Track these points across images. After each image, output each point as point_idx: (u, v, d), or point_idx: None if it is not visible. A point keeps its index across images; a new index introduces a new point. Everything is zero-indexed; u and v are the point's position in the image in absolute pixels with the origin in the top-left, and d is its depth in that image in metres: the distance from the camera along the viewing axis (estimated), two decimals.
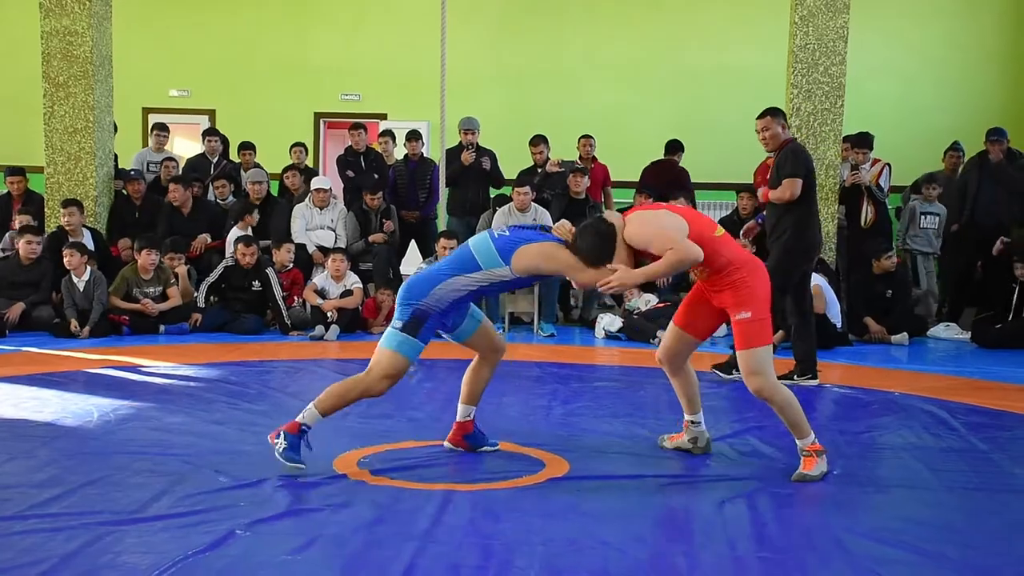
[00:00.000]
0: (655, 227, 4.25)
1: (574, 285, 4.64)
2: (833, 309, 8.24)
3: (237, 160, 10.86)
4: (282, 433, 4.30)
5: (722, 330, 8.90)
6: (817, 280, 8.27)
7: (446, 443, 4.75)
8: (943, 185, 10.28)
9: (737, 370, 6.61)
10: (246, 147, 10.82)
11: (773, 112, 6.60)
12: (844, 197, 9.51)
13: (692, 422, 4.80)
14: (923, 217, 9.98)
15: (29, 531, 3.49)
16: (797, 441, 4.42)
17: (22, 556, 3.25)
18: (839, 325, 8.33)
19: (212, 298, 8.94)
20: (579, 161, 10.57)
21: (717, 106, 12.49)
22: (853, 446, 5.06)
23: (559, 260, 4.22)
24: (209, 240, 9.65)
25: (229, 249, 9.11)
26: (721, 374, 6.90)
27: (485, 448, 4.73)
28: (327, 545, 3.41)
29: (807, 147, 9.30)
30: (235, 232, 9.38)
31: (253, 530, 3.55)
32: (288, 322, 8.70)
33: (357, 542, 3.45)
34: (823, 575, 3.28)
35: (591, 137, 10.61)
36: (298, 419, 4.32)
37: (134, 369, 6.83)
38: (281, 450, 4.27)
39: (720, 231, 4.38)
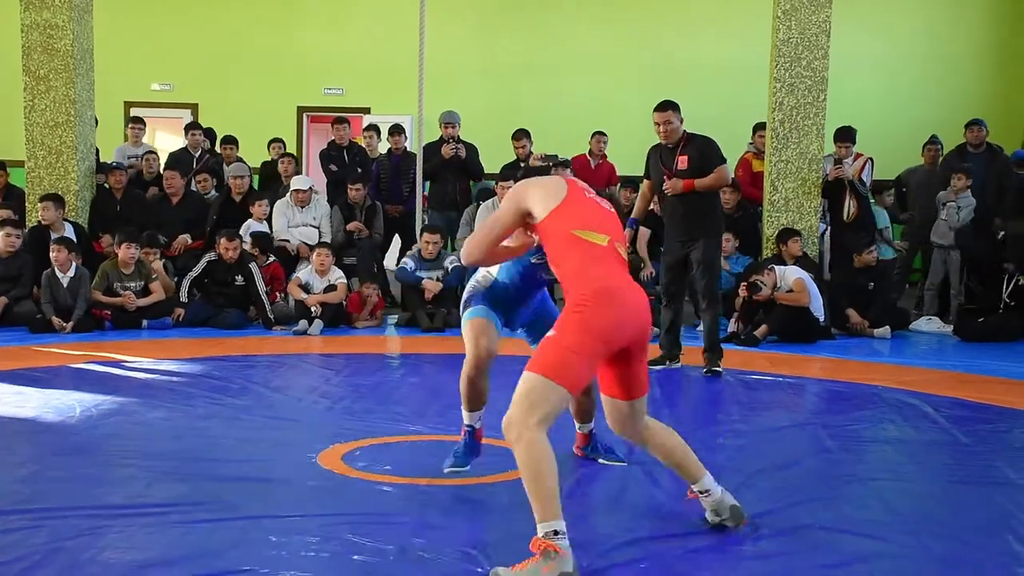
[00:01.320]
0: (506, 202, 3.81)
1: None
2: (816, 303, 8.27)
3: (219, 153, 10.82)
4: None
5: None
6: (800, 274, 8.32)
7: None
8: (923, 179, 10.33)
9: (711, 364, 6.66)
10: (228, 141, 10.80)
11: (674, 106, 6.94)
12: (827, 191, 9.54)
13: (701, 492, 3.60)
14: (945, 208, 9.84)
15: (11, 528, 3.47)
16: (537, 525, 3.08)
17: (5, 552, 3.23)
18: (822, 319, 8.36)
19: (194, 292, 8.90)
20: (589, 156, 10.59)
21: (698, 99, 12.48)
22: (836, 439, 5.07)
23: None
24: (189, 241, 9.60)
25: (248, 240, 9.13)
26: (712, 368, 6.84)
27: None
28: (311, 539, 3.40)
29: (789, 142, 9.36)
30: (251, 224, 9.39)
31: (236, 525, 3.54)
32: (271, 317, 8.67)
33: (342, 536, 3.44)
34: (808, 568, 3.29)
35: (604, 134, 10.64)
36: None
37: (116, 364, 6.80)
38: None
39: (603, 239, 3.44)
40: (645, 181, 7.14)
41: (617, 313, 3.27)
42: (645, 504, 3.96)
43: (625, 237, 3.74)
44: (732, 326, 8.53)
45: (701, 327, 8.87)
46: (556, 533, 3.01)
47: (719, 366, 6.78)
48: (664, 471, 3.93)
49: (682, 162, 6.80)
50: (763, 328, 8.18)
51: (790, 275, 8.31)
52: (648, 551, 3.39)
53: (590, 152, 10.68)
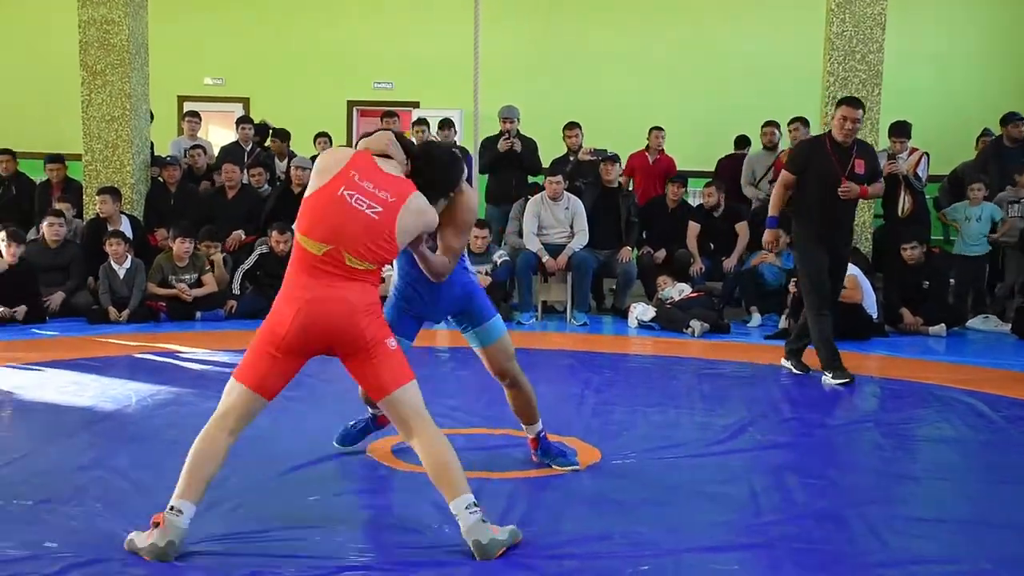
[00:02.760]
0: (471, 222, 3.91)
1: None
2: (869, 299, 8.18)
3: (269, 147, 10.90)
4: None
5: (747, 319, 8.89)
6: (853, 271, 8.21)
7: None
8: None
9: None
10: (278, 135, 10.86)
11: (864, 105, 6.48)
12: None
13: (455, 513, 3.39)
14: (1010, 206, 9.68)
15: (72, 514, 3.54)
16: None
17: (67, 537, 3.30)
18: (875, 316, 8.26)
19: (246, 285, 9.00)
20: (647, 152, 10.55)
21: (748, 94, 12.39)
22: (889, 437, 5.02)
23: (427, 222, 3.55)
24: (244, 236, 9.68)
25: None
26: (792, 367, 6.71)
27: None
28: (360, 530, 3.44)
29: None
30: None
31: (288, 515, 3.58)
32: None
33: (390, 527, 3.47)
34: (860, 568, 3.27)
35: (662, 129, 10.57)
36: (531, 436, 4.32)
37: (171, 355, 6.90)
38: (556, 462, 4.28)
39: (319, 248, 3.38)
40: (786, 175, 6.59)
41: (294, 323, 3.32)
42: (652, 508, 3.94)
43: (372, 241, 3.37)
44: (783, 323, 8.46)
45: (752, 323, 8.86)
46: (172, 508, 3.22)
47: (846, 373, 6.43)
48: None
49: (859, 166, 6.43)
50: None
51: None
52: (690, 547, 3.38)
53: (648, 147, 10.63)
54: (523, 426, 4.34)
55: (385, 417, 4.24)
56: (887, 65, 9.25)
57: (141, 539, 3.19)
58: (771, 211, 6.73)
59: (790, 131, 10.10)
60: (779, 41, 12.61)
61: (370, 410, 4.48)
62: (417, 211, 3.45)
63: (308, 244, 3.37)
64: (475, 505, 3.32)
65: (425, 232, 3.59)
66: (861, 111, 6.43)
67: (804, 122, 9.98)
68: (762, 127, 10.27)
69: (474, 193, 3.97)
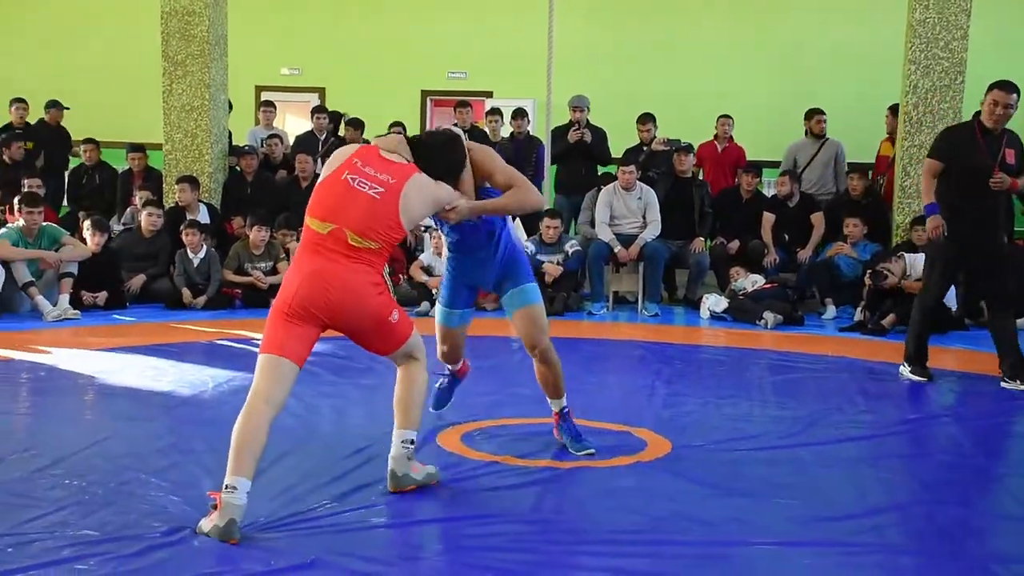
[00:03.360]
0: (509, 168, 4.02)
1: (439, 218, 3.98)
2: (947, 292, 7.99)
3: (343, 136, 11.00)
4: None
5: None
6: None
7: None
8: None
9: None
10: (352, 124, 10.93)
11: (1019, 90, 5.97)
12: None
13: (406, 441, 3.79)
14: None
15: (149, 498, 3.63)
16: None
17: (147, 519, 3.38)
18: (954, 308, 8.07)
19: None
20: (715, 140, 10.46)
21: (827, 83, 12.17)
22: (968, 433, 4.91)
23: (438, 201, 3.75)
24: None
25: None
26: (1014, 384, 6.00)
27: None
28: (429, 518, 3.47)
29: (923, 126, 9.05)
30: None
31: (356, 501, 3.62)
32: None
33: (460, 516, 3.49)
34: (936, 566, 3.20)
35: (729, 117, 10.47)
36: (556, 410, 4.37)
37: (247, 341, 7.01)
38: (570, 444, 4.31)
39: (325, 228, 3.63)
40: (931, 163, 6.19)
41: (299, 291, 3.51)
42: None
43: (374, 220, 3.54)
44: (858, 315, 8.32)
45: (826, 315, 8.73)
46: (227, 487, 3.30)
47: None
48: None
49: (1010, 156, 6.02)
50: (891, 317, 7.94)
51: (920, 263, 8.03)
52: (761, 541, 3.35)
53: (716, 136, 10.53)
54: (548, 400, 4.42)
55: (464, 368, 4.70)
56: (971, 52, 9.01)
57: (207, 523, 3.28)
58: (925, 199, 6.23)
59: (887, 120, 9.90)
60: (861, 29, 12.36)
61: (447, 368, 4.71)
62: (420, 187, 3.60)
63: (314, 224, 3.59)
64: (411, 443, 3.69)
65: (444, 204, 3.74)
66: (1015, 96, 5.88)
67: (895, 111, 9.77)
68: (810, 115, 10.05)
69: (479, 150, 4.04)
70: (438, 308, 4.51)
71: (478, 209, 3.91)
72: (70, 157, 11.12)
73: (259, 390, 3.47)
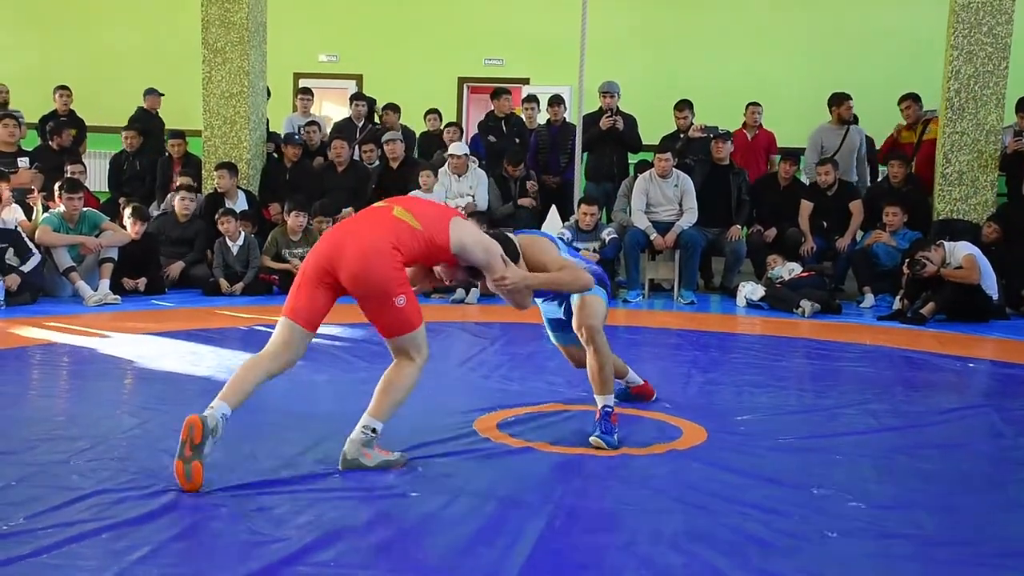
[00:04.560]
0: (549, 251, 4.25)
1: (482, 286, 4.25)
2: (988, 280, 7.90)
3: (379, 123, 11.04)
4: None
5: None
6: (971, 250, 7.96)
7: None
8: None
9: None
10: (389, 108, 10.96)
11: None
12: (1005, 165, 9.07)
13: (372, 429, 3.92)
14: None
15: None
16: None
17: (184, 502, 3.42)
18: (995, 297, 7.98)
19: None
20: (744, 128, 10.38)
21: (866, 69, 12.04)
22: (1010, 424, 4.85)
23: (493, 250, 3.97)
24: (353, 212, 9.83)
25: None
26: None
27: None
28: (466, 504, 3.48)
29: (965, 112, 8.93)
30: (417, 193, 9.57)
31: (394, 489, 3.64)
32: (410, 286, 8.80)
33: (496, 502, 3.50)
34: (975, 557, 3.17)
35: (759, 105, 10.39)
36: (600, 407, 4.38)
37: None
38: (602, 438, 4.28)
39: (383, 204, 3.95)
40: None
41: (318, 248, 3.81)
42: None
43: (422, 206, 3.91)
44: (897, 304, 8.24)
45: (864, 303, 8.65)
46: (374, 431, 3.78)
47: None
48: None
49: None
50: (930, 306, 7.86)
51: (960, 251, 7.95)
52: (798, 530, 3.33)
53: (745, 124, 10.44)
54: (594, 395, 4.40)
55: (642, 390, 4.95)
56: (1016, 37, 8.88)
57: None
58: None
59: (901, 109, 9.78)
60: (900, 14, 12.21)
61: (624, 384, 4.89)
62: (473, 228, 3.96)
63: (380, 202, 3.92)
64: (372, 431, 3.78)
65: (492, 256, 3.92)
66: None
67: (916, 99, 9.65)
68: (839, 100, 9.90)
69: (532, 243, 4.27)
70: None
71: (532, 283, 4.09)
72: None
73: (267, 348, 3.80)
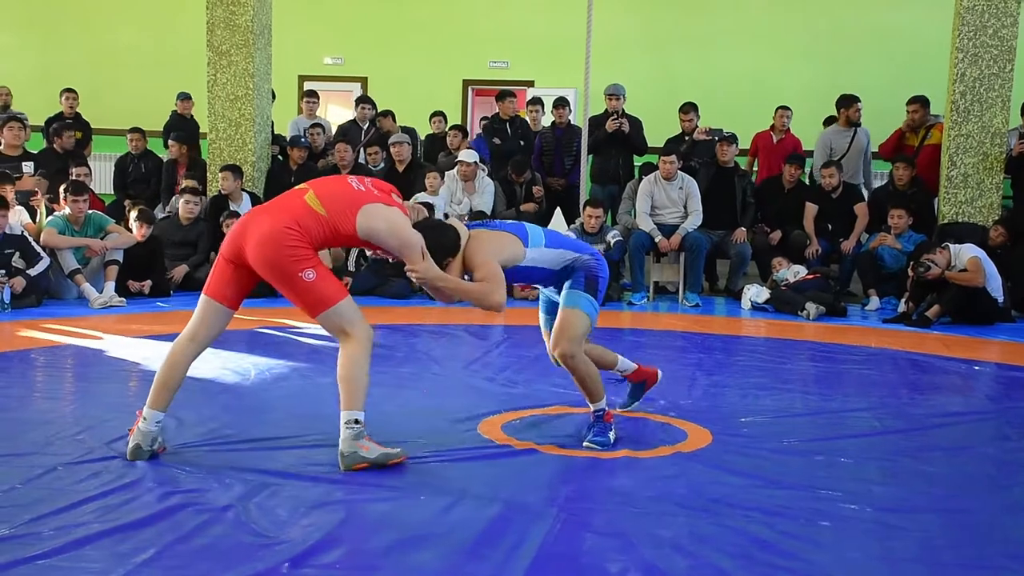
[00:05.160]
0: (488, 253, 4.14)
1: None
2: (994, 283, 7.89)
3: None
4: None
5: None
6: (976, 252, 7.94)
7: None
8: None
9: None
10: (384, 114, 10.97)
11: None
12: (1010, 167, 9.05)
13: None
14: None
15: (193, 480, 3.67)
16: None
17: (190, 504, 3.43)
18: (1001, 300, 7.96)
19: (362, 262, 9.17)
20: (772, 132, 10.36)
21: (870, 71, 12.02)
22: (1015, 426, 4.84)
23: (409, 237, 3.96)
24: None
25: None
26: None
27: None
28: (470, 506, 3.48)
29: (971, 115, 8.92)
30: (422, 196, 9.58)
31: (398, 490, 3.64)
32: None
33: (500, 505, 3.50)
34: (980, 558, 3.17)
35: (788, 109, 10.34)
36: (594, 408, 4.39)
37: (288, 329, 7.08)
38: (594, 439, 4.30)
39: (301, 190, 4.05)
40: None
41: (232, 230, 3.96)
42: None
43: (334, 191, 3.95)
44: (902, 306, 8.23)
45: (869, 306, 8.64)
46: (143, 417, 3.90)
47: None
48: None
49: None
50: (935, 309, 7.85)
51: (965, 254, 7.93)
52: (814, 533, 3.33)
53: (773, 127, 10.41)
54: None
55: (642, 373, 4.83)
56: (1021, 40, 8.86)
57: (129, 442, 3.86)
58: None
59: (908, 111, 9.76)
60: (907, 16, 12.21)
61: (619, 374, 4.80)
62: (389, 212, 3.94)
63: (303, 184, 4.02)
64: (355, 423, 3.78)
65: (391, 245, 3.95)
66: None
67: (925, 103, 9.63)
68: (847, 103, 9.88)
69: (475, 240, 4.20)
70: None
71: (439, 283, 4.03)
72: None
73: (187, 329, 3.94)
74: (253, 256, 3.80)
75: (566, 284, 4.37)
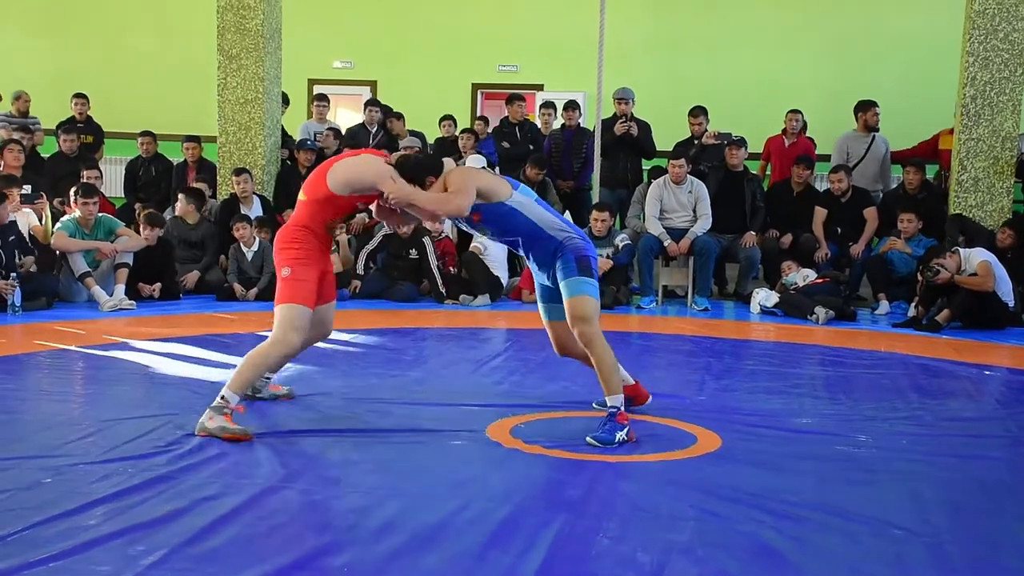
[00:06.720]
0: (468, 177, 4.42)
1: (381, 203, 4.57)
2: (1004, 286, 7.86)
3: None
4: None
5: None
6: (986, 256, 7.92)
7: None
8: None
9: None
10: (395, 116, 10.97)
11: None
12: (1021, 171, 9.03)
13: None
14: None
15: (204, 482, 3.68)
16: None
17: (200, 505, 3.43)
18: (1011, 304, 7.94)
19: (371, 265, 9.18)
20: (784, 135, 10.34)
21: (881, 74, 12.00)
22: None
23: (376, 168, 4.42)
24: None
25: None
26: None
27: None
28: (479, 510, 3.47)
29: (981, 119, 8.89)
30: None
31: (405, 493, 3.64)
32: (443, 291, 8.85)
33: (509, 508, 3.50)
34: (992, 565, 3.15)
35: (799, 112, 10.33)
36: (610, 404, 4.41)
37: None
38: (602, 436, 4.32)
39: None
40: None
41: None
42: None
43: (313, 176, 4.52)
44: (912, 311, 8.21)
45: (879, 310, 8.61)
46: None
47: None
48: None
49: None
50: (946, 313, 7.82)
51: (975, 258, 7.91)
52: (825, 537, 3.32)
53: (784, 131, 10.39)
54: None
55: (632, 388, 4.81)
56: None
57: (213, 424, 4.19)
58: None
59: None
60: (919, 19, 12.18)
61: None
62: (349, 161, 4.47)
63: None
64: (223, 399, 4.22)
65: (371, 186, 4.36)
66: None
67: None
68: (865, 107, 9.85)
69: (459, 168, 4.60)
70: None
71: (410, 196, 4.33)
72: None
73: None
74: None
75: (559, 273, 4.43)
